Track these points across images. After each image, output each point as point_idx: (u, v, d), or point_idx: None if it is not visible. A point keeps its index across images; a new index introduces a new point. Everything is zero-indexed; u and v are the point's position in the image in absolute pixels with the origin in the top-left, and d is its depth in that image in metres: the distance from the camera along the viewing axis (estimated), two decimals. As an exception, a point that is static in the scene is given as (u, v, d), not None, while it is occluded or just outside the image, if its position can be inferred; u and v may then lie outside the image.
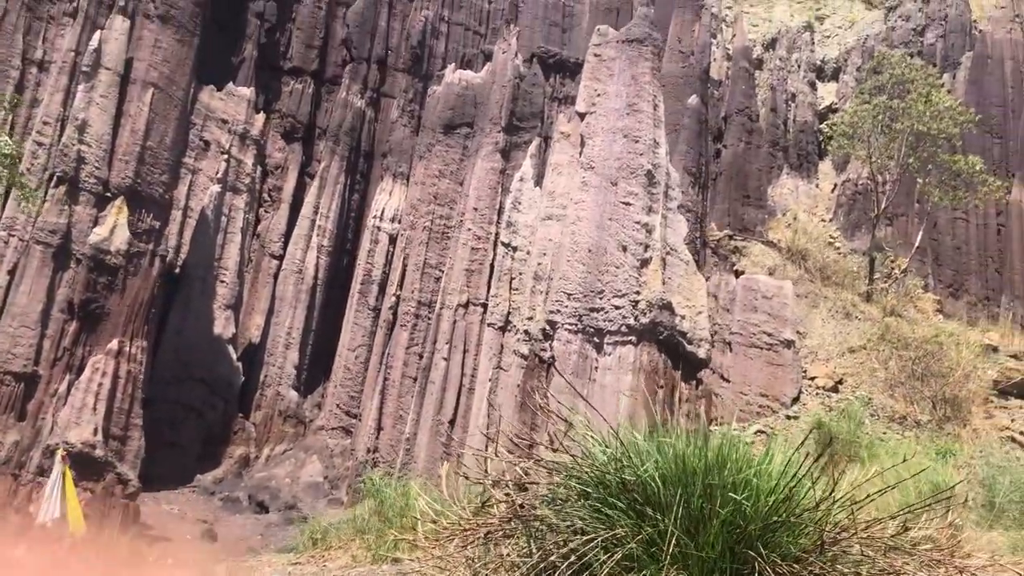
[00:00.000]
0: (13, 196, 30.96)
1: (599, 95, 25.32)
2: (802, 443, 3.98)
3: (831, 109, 51.16)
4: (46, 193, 31.81)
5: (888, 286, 35.97)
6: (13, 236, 32.18)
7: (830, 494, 3.75)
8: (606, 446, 4.35)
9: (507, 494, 4.39)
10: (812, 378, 29.12)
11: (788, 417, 26.60)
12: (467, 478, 4.64)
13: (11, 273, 31.53)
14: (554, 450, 4.38)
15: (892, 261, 38.76)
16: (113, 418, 30.12)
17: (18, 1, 34.96)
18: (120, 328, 30.68)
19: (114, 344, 30.33)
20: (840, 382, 28.73)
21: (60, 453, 20.50)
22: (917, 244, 37.35)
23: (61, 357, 30.72)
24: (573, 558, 3.67)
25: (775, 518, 3.71)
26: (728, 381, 28.44)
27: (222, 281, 39.39)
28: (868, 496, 3.82)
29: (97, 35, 33.37)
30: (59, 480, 17.77)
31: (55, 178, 31.88)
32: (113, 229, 31.85)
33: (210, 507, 34.20)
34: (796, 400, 27.78)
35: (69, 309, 31.25)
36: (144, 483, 30.85)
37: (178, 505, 33.48)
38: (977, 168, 35.46)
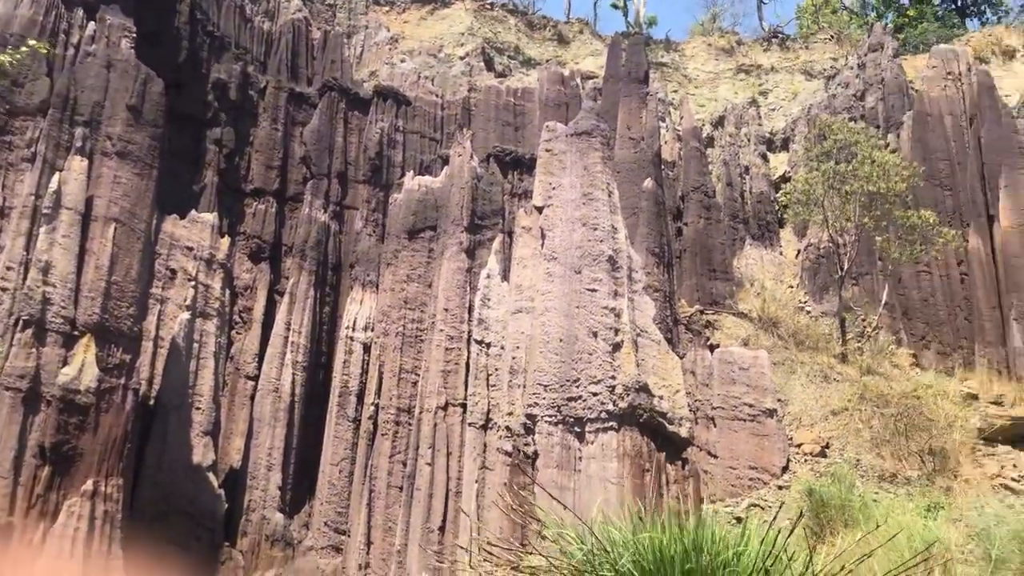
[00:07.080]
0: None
1: (554, 188, 25.79)
2: (774, 518, 3.94)
3: (784, 179, 52.41)
4: (13, 337, 31.51)
5: (862, 345, 36.22)
6: (-20, 384, 31.68)
7: (807, 568, 3.69)
8: (582, 543, 4.27)
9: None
10: (799, 445, 28.93)
11: (779, 487, 26.33)
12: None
13: (-20, 422, 30.91)
14: (528, 554, 4.29)
15: (862, 320, 39.15)
16: (92, 562, 29.11)
17: (-24, 151, 35.24)
18: (94, 468, 29.95)
19: (88, 485, 29.55)
20: (827, 446, 28.56)
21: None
22: (884, 301, 37.79)
23: (35, 504, 29.86)
24: (555, 665, 3.55)
25: (755, 600, 3.64)
26: (716, 456, 28.17)
27: (198, 408, 38.76)
28: (844, 569, 3.75)
29: (56, 177, 33.68)
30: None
31: (21, 322, 31.64)
32: (82, 367, 31.46)
33: (200, 645, 32.79)
34: (785, 469, 27.51)
35: (41, 453, 30.54)
36: (129, 627, 29.62)
37: (166, 647, 32.09)
38: (931, 221, 36.18)
